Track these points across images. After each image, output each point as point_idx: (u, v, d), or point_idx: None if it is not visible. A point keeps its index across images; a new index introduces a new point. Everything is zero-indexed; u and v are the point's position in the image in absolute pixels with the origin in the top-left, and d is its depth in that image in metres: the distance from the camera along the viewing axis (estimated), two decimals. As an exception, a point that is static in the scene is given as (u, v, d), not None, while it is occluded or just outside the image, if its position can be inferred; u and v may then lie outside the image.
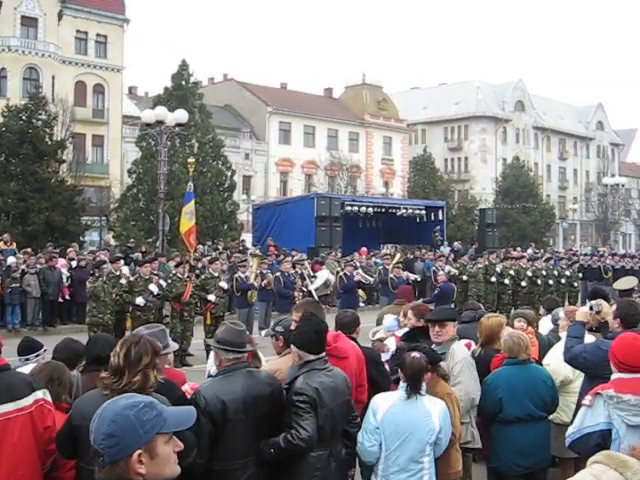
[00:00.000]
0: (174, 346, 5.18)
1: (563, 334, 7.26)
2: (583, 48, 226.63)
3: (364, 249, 28.29)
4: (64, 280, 20.43)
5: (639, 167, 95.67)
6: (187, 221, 16.44)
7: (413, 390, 5.14)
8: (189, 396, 4.91)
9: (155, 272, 16.12)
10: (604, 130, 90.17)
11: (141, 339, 4.09)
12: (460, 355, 6.30)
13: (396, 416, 5.05)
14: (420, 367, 5.21)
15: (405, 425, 5.03)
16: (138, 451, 2.43)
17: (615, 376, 4.93)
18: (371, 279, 21.54)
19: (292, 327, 5.59)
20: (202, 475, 4.45)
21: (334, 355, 5.20)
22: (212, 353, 5.17)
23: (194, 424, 2.62)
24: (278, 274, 18.22)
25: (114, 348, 4.06)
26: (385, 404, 5.12)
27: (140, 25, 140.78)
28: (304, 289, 18.36)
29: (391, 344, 7.93)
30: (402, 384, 5.22)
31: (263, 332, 12.71)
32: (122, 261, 17.36)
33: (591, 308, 6.57)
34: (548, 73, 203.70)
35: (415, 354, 5.27)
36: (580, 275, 26.33)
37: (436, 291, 20.28)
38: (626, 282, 9.00)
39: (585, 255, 33.72)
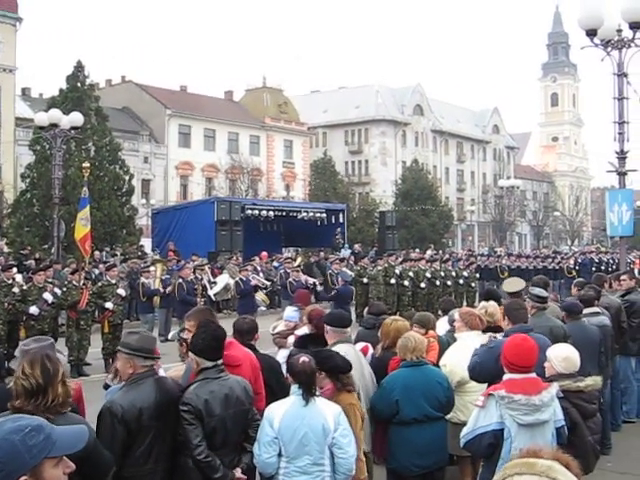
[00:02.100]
0: (62, 359, 5.10)
1: (458, 335, 7.42)
2: (479, 54, 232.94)
3: (265, 253, 28.23)
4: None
5: (533, 169, 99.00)
6: (82, 227, 16.11)
7: (307, 393, 5.13)
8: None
9: (50, 280, 15.70)
10: (500, 134, 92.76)
11: (46, 353, 4.08)
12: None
13: (293, 421, 5.03)
14: (311, 370, 5.22)
15: (302, 429, 5.02)
16: (23, 477, 2.33)
17: (507, 377, 5.07)
18: (268, 283, 21.58)
19: (186, 335, 5.56)
20: None
21: (226, 363, 5.19)
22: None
23: (85, 446, 2.53)
24: (180, 280, 18.02)
25: (16, 372, 3.93)
26: (280, 412, 5.09)
27: (34, 24, 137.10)
28: (205, 295, 18.21)
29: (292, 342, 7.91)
30: (294, 389, 5.20)
31: (170, 335, 12.55)
32: (15, 269, 16.79)
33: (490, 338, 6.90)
34: (446, 78, 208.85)
35: (304, 358, 5.27)
36: (477, 275, 27.00)
37: (333, 292, 20.49)
38: (514, 284, 9.11)
39: (482, 256, 34.53)
